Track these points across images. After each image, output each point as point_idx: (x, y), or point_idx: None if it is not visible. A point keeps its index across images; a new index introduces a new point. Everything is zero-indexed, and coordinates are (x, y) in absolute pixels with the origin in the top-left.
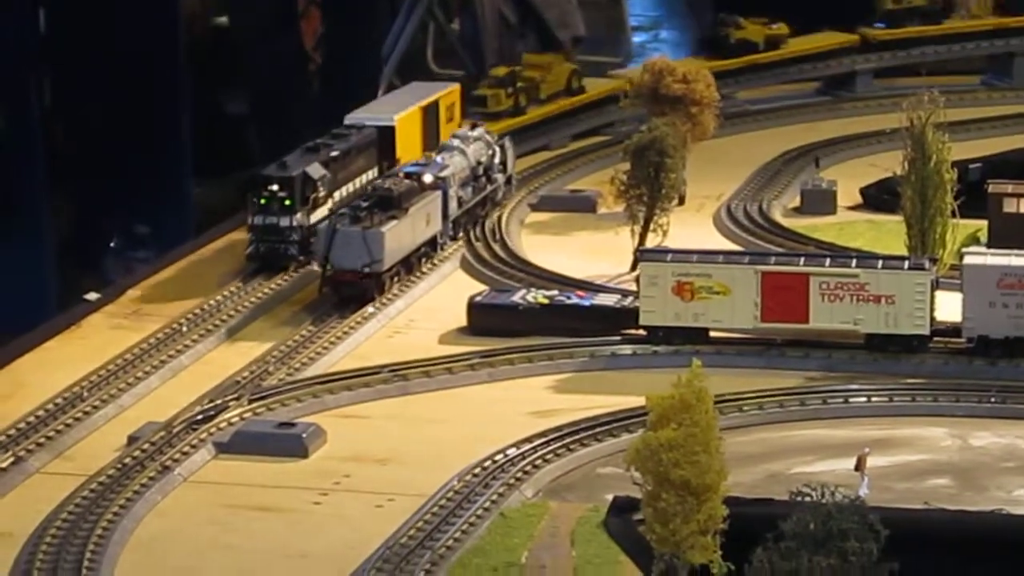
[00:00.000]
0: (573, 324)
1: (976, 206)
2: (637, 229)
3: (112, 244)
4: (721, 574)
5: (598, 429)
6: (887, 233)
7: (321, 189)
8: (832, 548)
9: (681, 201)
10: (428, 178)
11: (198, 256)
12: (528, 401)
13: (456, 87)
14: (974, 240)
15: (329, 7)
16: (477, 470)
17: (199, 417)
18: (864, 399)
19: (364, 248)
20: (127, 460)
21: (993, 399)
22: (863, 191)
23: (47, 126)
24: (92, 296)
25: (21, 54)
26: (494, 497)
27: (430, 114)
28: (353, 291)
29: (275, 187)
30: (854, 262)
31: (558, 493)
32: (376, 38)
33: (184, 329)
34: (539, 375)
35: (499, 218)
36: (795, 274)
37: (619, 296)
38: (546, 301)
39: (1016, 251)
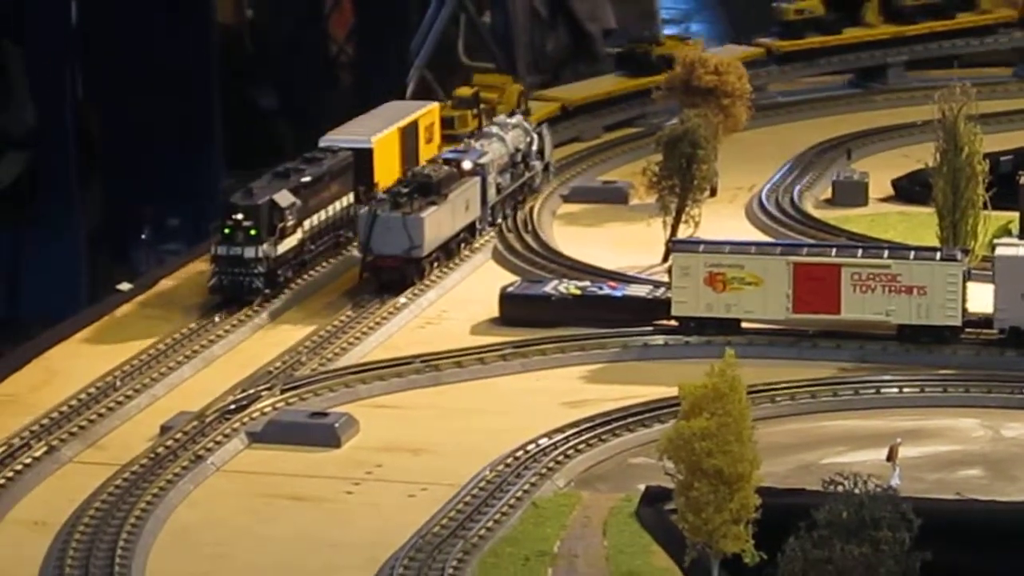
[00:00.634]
0: (605, 315)
1: (1008, 197)
2: (669, 220)
3: (143, 236)
4: (753, 563)
5: (630, 419)
6: (919, 225)
7: (290, 218)
8: (865, 537)
9: (713, 192)
10: (467, 164)
11: None
12: (560, 391)
13: (435, 106)
14: (1006, 231)
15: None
16: (509, 460)
17: (232, 407)
18: (896, 390)
19: (404, 234)
20: (160, 449)
21: None
22: (895, 183)
23: (80, 117)
24: (125, 286)
25: (55, 45)
26: (526, 487)
27: (409, 135)
28: (393, 276)
29: (240, 216)
30: (886, 253)
31: (590, 483)
32: (407, 31)
33: (217, 319)
34: (571, 365)
35: (531, 209)
36: (827, 265)
37: (651, 287)
38: (578, 292)
39: None
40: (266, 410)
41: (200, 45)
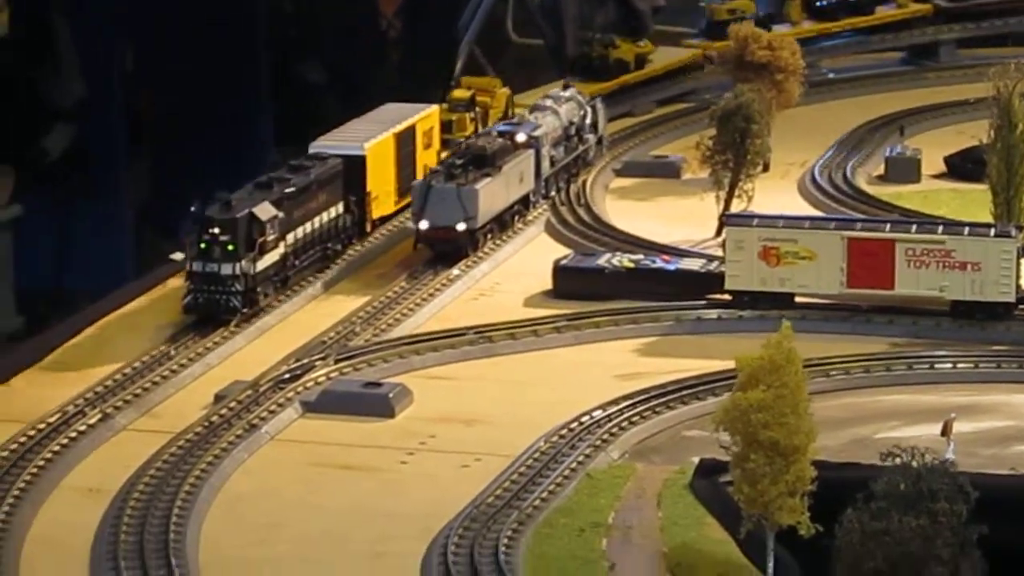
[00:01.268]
0: (658, 288)
1: None
2: (722, 195)
3: (192, 209)
4: (808, 535)
5: (684, 392)
6: (971, 202)
7: (271, 232)
8: (922, 509)
9: (766, 168)
10: (521, 137)
11: None
12: (613, 364)
13: (435, 110)
14: None
15: None
16: (563, 431)
17: (286, 376)
18: (950, 365)
19: (459, 205)
20: (214, 418)
21: None
22: (947, 160)
23: (128, 91)
24: (178, 256)
25: (103, 18)
26: (580, 458)
27: (405, 141)
28: (447, 247)
29: (216, 230)
30: (940, 229)
31: (644, 455)
32: (456, 7)
33: (270, 291)
34: (624, 339)
35: (584, 183)
36: (881, 240)
37: (704, 261)
38: (631, 265)
39: None
40: (320, 380)
41: (249, 20)
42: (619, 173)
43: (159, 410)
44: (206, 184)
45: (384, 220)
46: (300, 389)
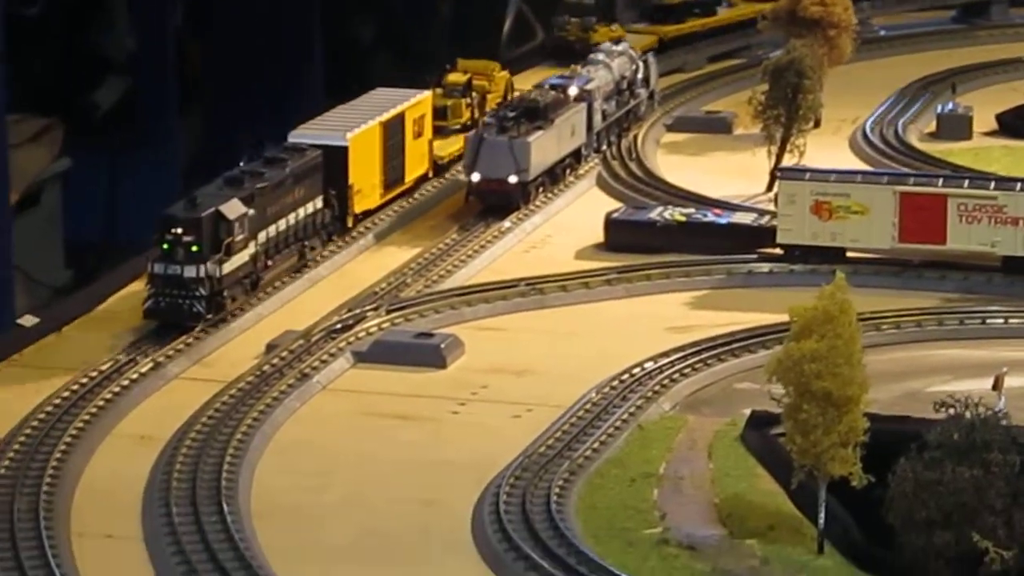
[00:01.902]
0: (710, 242)
1: None
2: (774, 150)
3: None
4: (860, 486)
5: (735, 345)
6: (1023, 159)
7: (239, 231)
8: (975, 459)
9: (817, 124)
10: (573, 91)
11: None
12: (665, 317)
13: (427, 96)
14: None
15: None
16: (615, 383)
17: (338, 326)
18: (1001, 321)
19: (511, 157)
20: (266, 367)
21: None
22: (999, 117)
23: (179, 45)
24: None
25: None
26: (632, 410)
27: (393, 130)
28: (499, 200)
29: (179, 230)
30: (992, 184)
31: (695, 407)
32: None
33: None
34: (676, 291)
35: (635, 137)
36: (933, 195)
37: (756, 215)
38: (683, 219)
39: None
40: (372, 330)
41: None
42: (670, 128)
43: (211, 359)
44: (255, 137)
45: (368, 214)
46: (352, 339)
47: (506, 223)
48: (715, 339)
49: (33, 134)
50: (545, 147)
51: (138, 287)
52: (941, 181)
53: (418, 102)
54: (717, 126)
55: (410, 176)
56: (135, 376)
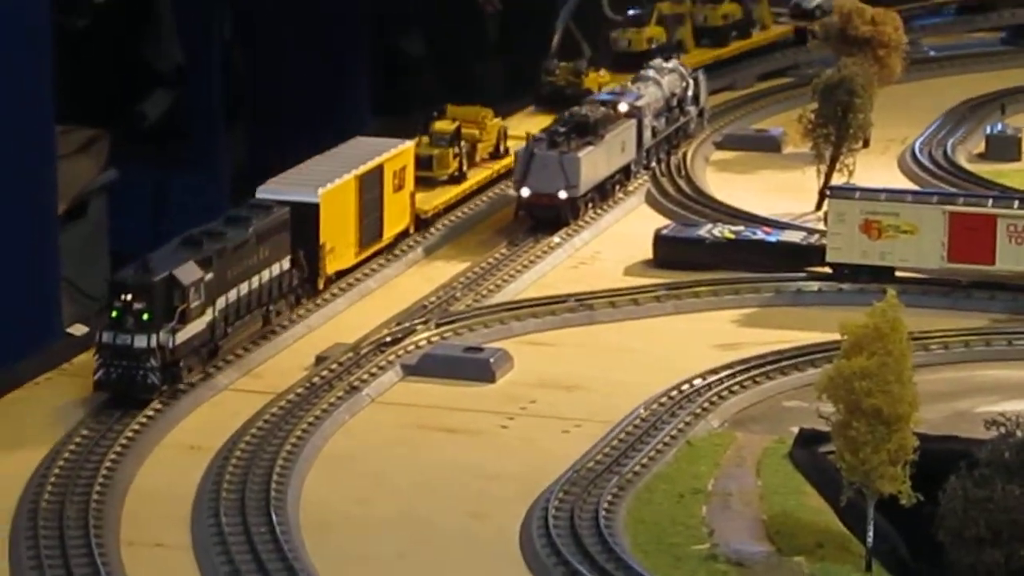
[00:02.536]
0: (758, 259)
1: None
2: (823, 168)
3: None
4: (909, 504)
5: (784, 362)
6: None
7: (194, 297)
8: None
9: (866, 143)
10: (623, 107)
11: None
12: (713, 333)
13: (408, 147)
14: None
15: None
16: (663, 399)
17: (387, 339)
18: None
19: (560, 172)
20: (315, 379)
21: None
22: None
23: (227, 59)
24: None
25: None
26: (681, 426)
27: (369, 184)
28: (548, 215)
29: (129, 296)
30: None
31: (744, 424)
32: None
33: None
34: (724, 308)
35: (684, 155)
36: (983, 215)
37: (805, 233)
38: (732, 236)
39: None
40: (421, 343)
41: None
42: (720, 146)
43: (260, 370)
44: (301, 153)
45: (342, 275)
46: (401, 352)
47: (555, 238)
48: (764, 357)
49: (80, 145)
50: (595, 163)
51: None
52: (991, 201)
53: (399, 152)
54: (766, 144)
55: (389, 233)
56: (184, 387)
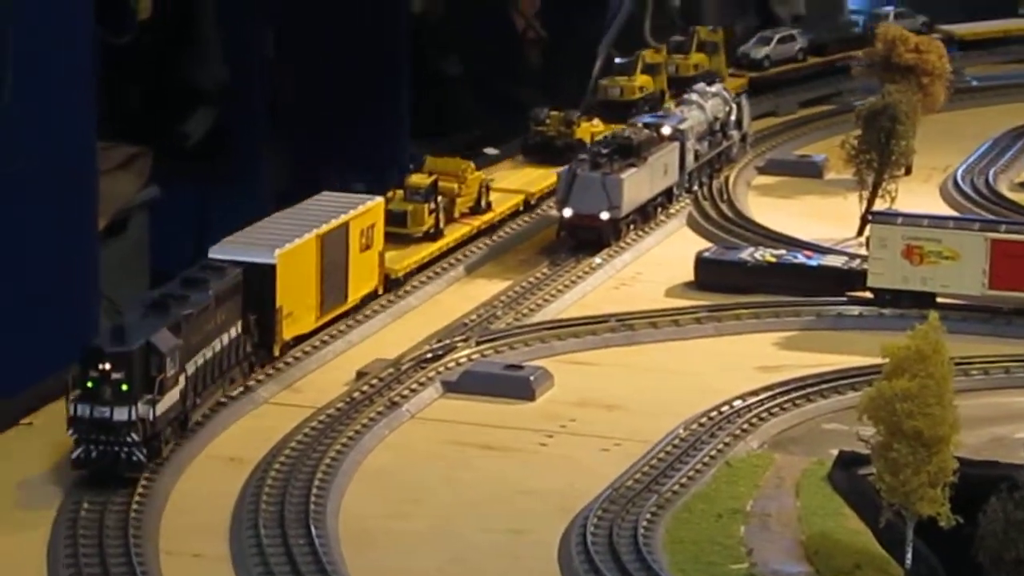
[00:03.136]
0: (799, 283)
1: None
2: (865, 194)
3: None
4: (948, 526)
5: (824, 385)
6: None
7: (170, 366)
8: None
9: (908, 171)
10: (667, 130)
11: None
12: (754, 355)
13: (378, 203)
14: None
15: None
16: (703, 419)
17: (428, 356)
18: None
19: (603, 193)
20: (355, 394)
21: None
22: None
23: (270, 78)
24: None
25: (246, 3)
26: (720, 446)
27: (334, 244)
28: (590, 235)
29: (108, 366)
30: None
31: (783, 445)
32: (596, 9)
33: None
34: (765, 331)
35: (726, 179)
36: None
37: (846, 258)
38: (773, 259)
39: None
40: (461, 361)
41: (392, 12)
42: (762, 171)
43: (301, 385)
44: (342, 172)
45: (301, 340)
46: (441, 369)
47: (597, 259)
48: (804, 379)
49: (122, 161)
50: (637, 184)
51: None
52: None
53: (367, 210)
54: (808, 170)
55: (355, 295)
56: (225, 400)
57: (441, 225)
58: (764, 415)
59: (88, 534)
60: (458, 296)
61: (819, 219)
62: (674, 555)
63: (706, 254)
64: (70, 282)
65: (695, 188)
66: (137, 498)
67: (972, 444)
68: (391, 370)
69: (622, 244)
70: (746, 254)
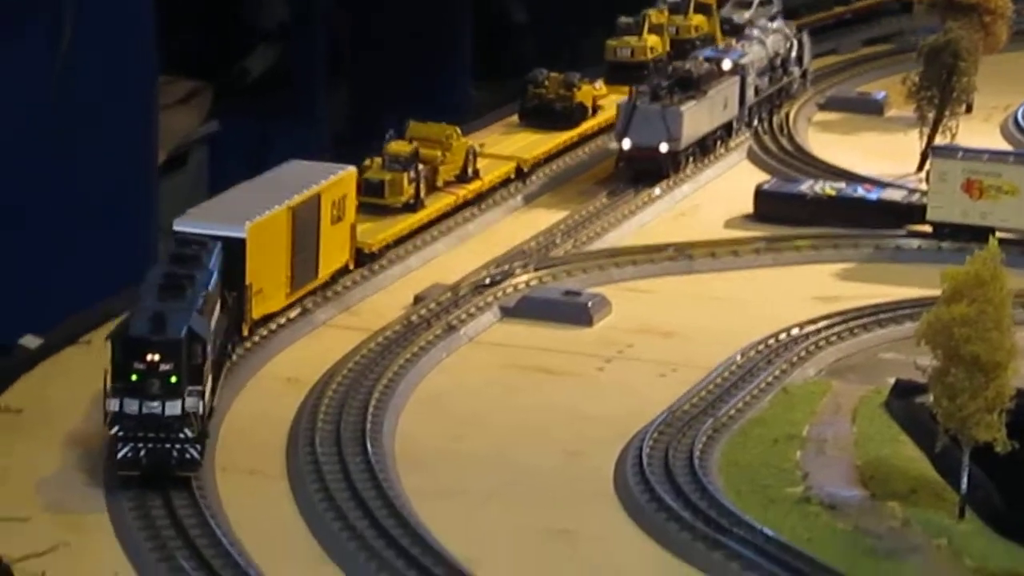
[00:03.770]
0: (859, 216)
1: None
2: (925, 131)
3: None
4: (1004, 452)
5: (881, 316)
6: None
7: (210, 353)
8: None
9: (969, 109)
10: (727, 64)
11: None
12: (812, 286)
13: (350, 172)
14: None
15: None
16: (761, 347)
17: (486, 281)
18: None
19: (663, 125)
20: (413, 318)
21: None
22: None
23: (331, 17)
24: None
25: None
26: (777, 373)
27: (305, 216)
28: (649, 167)
29: (156, 356)
30: None
31: (840, 373)
32: None
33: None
34: (823, 263)
35: (787, 114)
36: None
37: (906, 192)
38: (833, 192)
39: None
40: (519, 286)
41: None
42: (822, 107)
43: (358, 308)
44: (401, 112)
45: (268, 319)
46: (499, 294)
47: (656, 190)
48: (862, 309)
49: (183, 96)
50: (697, 117)
51: None
52: None
53: (339, 180)
54: (869, 107)
55: (325, 271)
56: (283, 321)
57: (422, 195)
58: (821, 343)
59: None
60: (517, 225)
61: (879, 155)
62: (729, 478)
63: (765, 186)
64: (130, 213)
65: (755, 123)
66: None
67: None
68: (449, 295)
69: (681, 176)
70: (806, 187)
